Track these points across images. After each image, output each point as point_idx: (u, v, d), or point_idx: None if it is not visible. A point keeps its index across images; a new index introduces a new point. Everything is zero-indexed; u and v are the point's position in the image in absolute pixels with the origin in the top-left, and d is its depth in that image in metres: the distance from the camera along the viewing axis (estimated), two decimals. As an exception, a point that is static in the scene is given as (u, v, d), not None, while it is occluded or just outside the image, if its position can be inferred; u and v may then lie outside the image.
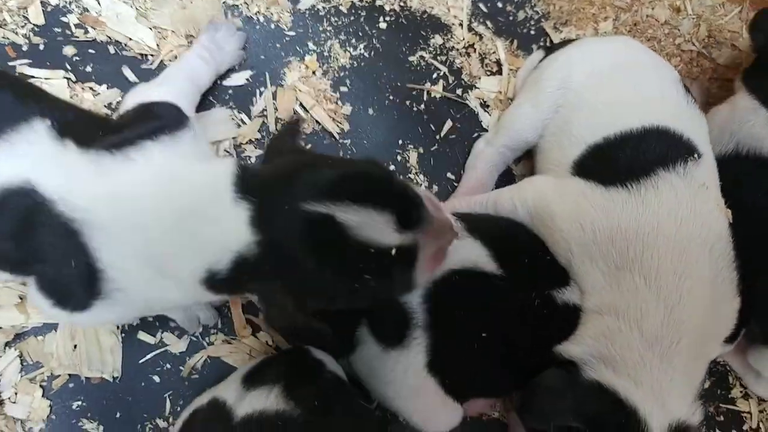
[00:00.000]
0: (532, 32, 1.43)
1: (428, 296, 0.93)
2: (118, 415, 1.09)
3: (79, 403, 1.08)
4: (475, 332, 0.95)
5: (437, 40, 1.37)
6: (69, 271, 0.76)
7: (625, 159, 1.01)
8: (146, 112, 0.89)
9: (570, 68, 1.15)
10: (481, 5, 1.42)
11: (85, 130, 0.80)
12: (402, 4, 1.37)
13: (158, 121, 0.85)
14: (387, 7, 1.36)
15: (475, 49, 1.38)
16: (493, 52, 1.39)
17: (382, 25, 1.35)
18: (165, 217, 0.74)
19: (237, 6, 1.27)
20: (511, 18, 1.43)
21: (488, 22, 1.41)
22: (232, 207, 0.72)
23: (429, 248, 0.76)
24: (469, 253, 0.95)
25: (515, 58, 1.39)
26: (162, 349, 1.11)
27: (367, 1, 1.35)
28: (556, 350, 0.96)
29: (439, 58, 1.36)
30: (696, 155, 1.00)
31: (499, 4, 1.43)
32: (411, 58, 1.34)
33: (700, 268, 0.94)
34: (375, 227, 0.68)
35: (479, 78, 1.36)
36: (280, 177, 0.74)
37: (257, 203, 0.72)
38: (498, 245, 0.98)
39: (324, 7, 1.32)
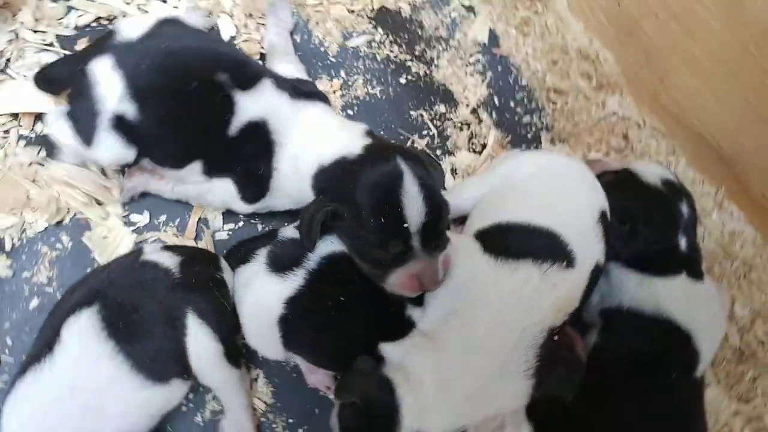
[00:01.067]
0: (529, 136, 1.65)
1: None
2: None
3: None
4: (331, 311, 1.15)
5: (441, 108, 1.63)
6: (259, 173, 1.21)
7: (513, 240, 1.17)
8: (305, 83, 1.39)
9: (520, 167, 1.33)
10: (495, 98, 1.67)
11: (286, 86, 1.25)
12: (427, 71, 1.66)
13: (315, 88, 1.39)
14: (413, 69, 1.66)
15: (469, 127, 1.62)
16: (484, 137, 1.61)
17: (402, 80, 1.64)
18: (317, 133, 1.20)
19: (307, 24, 1.64)
20: (516, 118, 1.66)
21: (494, 113, 1.65)
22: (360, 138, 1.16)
23: (413, 269, 1.06)
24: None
25: (501, 148, 1.60)
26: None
27: (399, 59, 1.66)
28: (380, 346, 1.12)
29: (435, 122, 1.61)
30: (566, 264, 1.13)
31: (512, 104, 1.67)
32: (412, 113, 1.61)
33: (505, 339, 1.07)
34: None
35: (460, 149, 1.59)
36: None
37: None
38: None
39: (366, 51, 1.66)
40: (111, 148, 1.20)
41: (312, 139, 1.20)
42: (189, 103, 1.18)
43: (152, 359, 1.12)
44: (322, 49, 1.63)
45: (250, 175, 1.25)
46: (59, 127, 1.23)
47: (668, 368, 1.19)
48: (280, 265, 1.18)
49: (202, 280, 1.16)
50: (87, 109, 1.18)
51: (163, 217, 1.38)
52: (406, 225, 1.03)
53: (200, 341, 1.14)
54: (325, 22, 1.65)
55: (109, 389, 1.10)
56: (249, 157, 1.23)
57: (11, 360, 1.25)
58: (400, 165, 1.06)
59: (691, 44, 1.32)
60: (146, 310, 1.12)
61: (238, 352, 1.24)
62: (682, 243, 1.25)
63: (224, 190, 1.27)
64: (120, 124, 1.18)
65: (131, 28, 1.22)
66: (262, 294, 1.18)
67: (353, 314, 1.16)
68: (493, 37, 1.73)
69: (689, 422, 1.21)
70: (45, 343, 1.10)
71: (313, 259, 1.17)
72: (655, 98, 1.54)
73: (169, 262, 1.17)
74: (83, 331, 1.09)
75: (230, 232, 1.40)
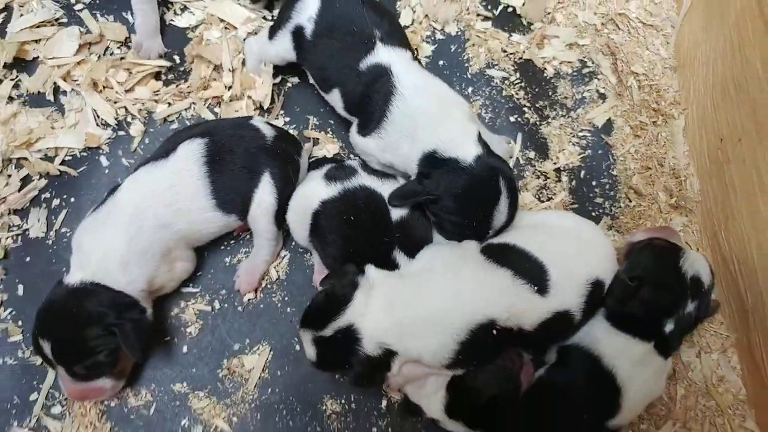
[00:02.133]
0: (593, 214, 1.84)
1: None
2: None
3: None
4: (345, 224, 1.48)
5: (531, 154, 1.89)
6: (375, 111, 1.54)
7: (509, 256, 1.40)
8: None
9: (553, 217, 1.62)
10: (582, 172, 1.89)
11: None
12: (538, 122, 1.93)
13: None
14: (527, 115, 1.94)
15: (546, 179, 1.86)
16: (554, 194, 1.85)
17: (512, 119, 1.93)
18: (437, 107, 1.52)
19: (465, 41, 2.00)
20: (590, 195, 1.87)
21: (574, 181, 1.88)
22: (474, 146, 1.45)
23: None
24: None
25: (563, 208, 1.83)
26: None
27: (520, 102, 1.95)
28: (366, 266, 1.42)
29: (520, 161, 1.88)
30: (537, 289, 1.35)
31: (593, 183, 1.88)
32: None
33: (452, 303, 1.32)
34: None
35: (528, 192, 1.84)
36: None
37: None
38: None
39: (497, 83, 1.97)
40: (282, 45, 1.64)
41: (434, 117, 1.48)
42: (345, 43, 1.57)
43: (226, 193, 1.53)
44: (465, 65, 1.97)
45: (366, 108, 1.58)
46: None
47: (591, 410, 1.35)
48: (330, 177, 1.54)
49: (284, 154, 1.57)
50: (283, 13, 1.63)
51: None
52: (489, 233, 1.43)
53: (264, 194, 1.55)
54: (479, 47, 1.98)
55: (189, 200, 1.52)
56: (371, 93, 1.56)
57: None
58: (500, 186, 1.40)
59: (760, 198, 1.47)
60: (238, 157, 1.54)
61: (282, 218, 1.62)
62: (668, 326, 1.40)
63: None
64: (297, 33, 1.61)
65: None
66: (310, 189, 1.55)
67: (359, 234, 1.47)
68: (609, 126, 1.96)
69: None
70: (165, 151, 1.54)
71: (351, 182, 1.51)
72: (714, 235, 1.69)
73: (267, 131, 1.58)
74: (191, 152, 1.52)
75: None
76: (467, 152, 1.42)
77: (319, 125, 1.89)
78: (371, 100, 1.56)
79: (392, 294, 1.32)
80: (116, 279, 1.44)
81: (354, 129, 1.64)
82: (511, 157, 1.84)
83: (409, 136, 1.49)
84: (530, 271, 1.36)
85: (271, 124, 1.65)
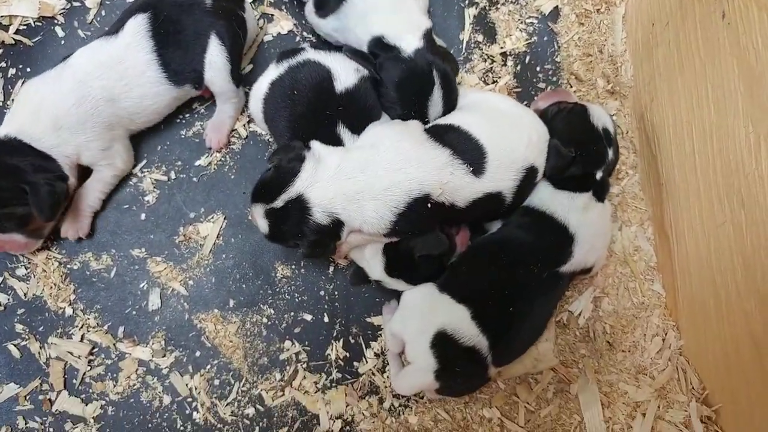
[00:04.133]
0: (535, 98, 1.99)
1: None
2: None
3: None
4: (288, 98, 1.61)
5: (479, 37, 2.01)
6: None
7: (449, 136, 1.53)
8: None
9: (495, 100, 1.72)
10: (527, 57, 2.02)
11: None
12: (487, 7, 2.04)
13: None
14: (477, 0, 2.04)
15: (492, 62, 1.99)
16: (499, 77, 1.98)
17: (463, 3, 2.03)
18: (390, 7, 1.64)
19: None
20: (534, 80, 2.01)
21: (518, 66, 2.00)
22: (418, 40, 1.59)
23: None
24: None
25: (506, 92, 1.97)
26: None
27: (473, -14, 2.05)
28: (311, 141, 1.53)
29: (470, 44, 1.99)
30: (472, 170, 1.49)
31: (537, 69, 2.02)
32: (457, 32, 2.00)
33: (391, 177, 1.44)
34: None
35: (474, 74, 1.96)
36: None
37: None
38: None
39: (452, -33, 2.05)
40: None
41: (389, 6, 1.61)
42: None
43: (177, 63, 1.63)
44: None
45: None
46: None
47: (547, 259, 1.56)
48: (279, 58, 1.65)
49: (226, 12, 1.65)
50: None
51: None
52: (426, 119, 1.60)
53: (214, 55, 1.64)
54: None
55: (139, 75, 1.61)
56: None
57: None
58: (434, 79, 1.55)
59: (680, 76, 1.64)
60: (182, 26, 1.61)
61: (239, 76, 1.73)
62: (598, 175, 1.62)
63: None
64: None
65: None
66: (262, 77, 1.66)
67: (303, 109, 1.58)
68: (555, 13, 2.07)
69: (543, 303, 1.58)
70: (115, 27, 1.62)
71: (296, 59, 1.60)
72: (641, 117, 1.86)
73: None
74: (138, 27, 1.60)
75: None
76: (409, 44, 1.57)
77: (275, 2, 1.97)
78: None
79: (338, 166, 1.44)
80: (43, 139, 1.54)
81: (310, 7, 1.74)
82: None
83: (363, 20, 1.61)
84: (468, 151, 1.50)
85: None
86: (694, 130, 1.55)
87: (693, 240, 1.59)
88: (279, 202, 1.42)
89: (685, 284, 1.65)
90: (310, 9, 1.75)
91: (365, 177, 1.43)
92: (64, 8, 1.89)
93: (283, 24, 1.93)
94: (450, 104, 1.63)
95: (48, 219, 1.55)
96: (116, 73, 1.58)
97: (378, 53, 1.59)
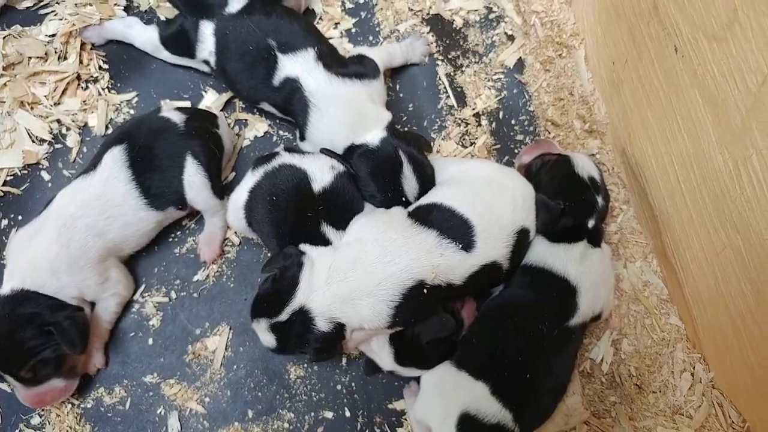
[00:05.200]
0: (516, 151, 2.03)
1: None
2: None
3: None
4: (269, 205, 1.63)
5: (451, 101, 2.06)
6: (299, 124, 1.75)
7: (434, 215, 1.55)
8: (360, 59, 1.82)
9: (474, 169, 1.74)
10: (501, 113, 2.07)
11: (330, 59, 1.72)
12: (452, 73, 2.10)
13: (363, 68, 1.77)
14: (440, 66, 2.11)
15: (467, 126, 2.04)
16: (476, 138, 2.03)
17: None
18: (348, 115, 1.68)
19: (374, 6, 2.15)
20: (511, 133, 2.05)
21: (494, 123, 2.05)
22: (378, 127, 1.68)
23: None
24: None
25: (486, 151, 2.01)
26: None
27: (433, 56, 2.12)
28: (301, 245, 1.56)
29: (442, 112, 2.05)
30: (462, 247, 1.50)
31: (513, 122, 2.06)
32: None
33: (383, 270, 1.45)
34: None
35: (451, 140, 2.01)
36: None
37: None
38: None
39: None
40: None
41: (349, 123, 1.69)
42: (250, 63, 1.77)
43: (156, 188, 1.68)
44: (377, 29, 2.13)
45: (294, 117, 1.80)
46: None
47: (554, 315, 1.55)
48: (254, 165, 1.70)
49: (200, 131, 1.72)
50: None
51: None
52: (405, 199, 1.65)
53: (192, 175, 1.69)
54: (386, 10, 2.13)
55: (120, 205, 1.66)
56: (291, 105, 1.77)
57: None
58: (401, 158, 1.63)
59: (648, 110, 1.68)
60: (157, 151, 1.68)
61: (221, 189, 1.79)
62: (590, 223, 1.64)
63: None
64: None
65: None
66: (240, 185, 1.70)
67: (285, 213, 1.60)
68: (520, 65, 2.14)
69: (560, 360, 1.56)
70: (93, 163, 1.68)
71: (272, 164, 1.65)
72: (623, 152, 1.89)
73: (178, 118, 1.72)
74: (115, 160, 1.66)
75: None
76: (374, 137, 1.67)
77: (246, 106, 2.04)
78: (294, 112, 1.76)
79: (330, 268, 1.45)
80: (46, 285, 1.57)
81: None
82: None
83: (330, 138, 1.72)
84: (455, 228, 1.51)
85: (179, 108, 1.80)
86: (674, 161, 1.57)
87: (698, 269, 1.59)
88: (284, 315, 1.43)
89: (701, 314, 1.63)
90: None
91: (356, 275, 1.44)
92: (47, 152, 1.97)
93: (258, 126, 2.00)
94: (424, 180, 1.67)
95: (81, 351, 1.57)
96: (97, 208, 1.63)
97: (351, 154, 1.68)
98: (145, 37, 1.94)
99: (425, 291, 1.46)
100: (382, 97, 1.83)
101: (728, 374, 1.61)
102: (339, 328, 1.44)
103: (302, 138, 1.79)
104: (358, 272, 1.44)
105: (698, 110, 1.41)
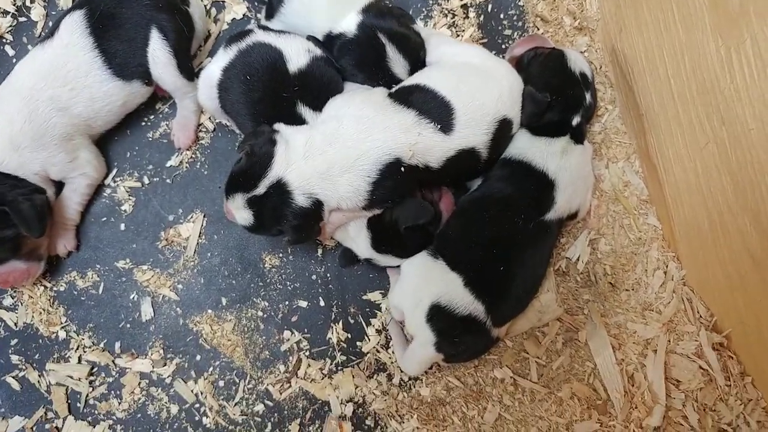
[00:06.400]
0: (503, 47, 1.97)
1: None
2: None
3: None
4: (244, 84, 1.59)
5: (438, -7, 1.98)
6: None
7: (415, 96, 1.52)
8: None
9: (459, 52, 1.70)
10: (490, 5, 1.99)
11: None
12: (442, -39, 2.00)
13: None
14: (430, -46, 2.01)
15: (454, 17, 1.97)
16: (463, 31, 1.96)
17: (417, -41, 2.00)
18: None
19: None
20: (499, 28, 1.98)
21: (482, 16, 1.98)
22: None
23: None
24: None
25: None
26: None
27: None
28: (276, 124, 1.54)
29: (428, 1, 1.97)
30: (440, 128, 1.48)
31: (501, 16, 1.99)
32: (413, -12, 1.97)
33: (360, 146, 1.44)
34: None
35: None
36: None
37: None
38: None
39: None
40: None
41: (326, 5, 1.63)
42: None
43: (121, 58, 1.60)
44: None
45: None
46: None
47: (530, 209, 1.55)
48: (227, 43, 1.62)
49: (168, 6, 1.62)
50: None
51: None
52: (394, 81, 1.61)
53: (157, 50, 1.61)
54: None
55: (84, 76, 1.58)
56: None
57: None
58: (382, 41, 1.57)
59: (642, 3, 1.62)
60: (121, 19, 1.58)
61: (190, 70, 1.71)
62: (575, 120, 1.63)
63: None
64: None
65: None
66: (212, 63, 1.63)
67: (260, 92, 1.56)
68: (513, -43, 2.05)
69: (535, 255, 1.58)
70: (51, 30, 1.58)
71: (246, 42, 1.58)
72: (613, 50, 1.84)
73: None
74: (74, 26, 1.56)
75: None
76: (350, 24, 1.60)
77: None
78: None
79: (306, 143, 1.43)
80: (5, 162, 1.52)
81: (263, 14, 1.75)
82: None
83: (306, 21, 1.64)
84: (435, 110, 1.48)
85: None
86: (665, 55, 1.54)
87: (680, 166, 1.58)
88: (261, 189, 1.41)
89: (679, 213, 1.64)
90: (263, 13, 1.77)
91: (334, 150, 1.42)
92: (10, 26, 1.88)
93: (236, 9, 1.92)
94: (412, 55, 1.62)
95: (38, 233, 1.52)
96: (60, 79, 1.56)
97: (332, 45, 1.63)
98: None
99: (402, 170, 1.45)
100: None
101: (700, 271, 1.63)
102: (317, 205, 1.43)
103: (270, 15, 1.71)
104: (336, 147, 1.43)
105: (694, -5, 1.36)
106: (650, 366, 1.63)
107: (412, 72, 1.63)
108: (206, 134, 1.85)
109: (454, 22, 1.96)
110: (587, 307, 1.72)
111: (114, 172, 1.82)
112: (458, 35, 1.94)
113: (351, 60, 1.61)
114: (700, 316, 1.65)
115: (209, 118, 1.83)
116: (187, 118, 1.76)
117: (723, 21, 1.28)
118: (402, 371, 1.66)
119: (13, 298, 1.75)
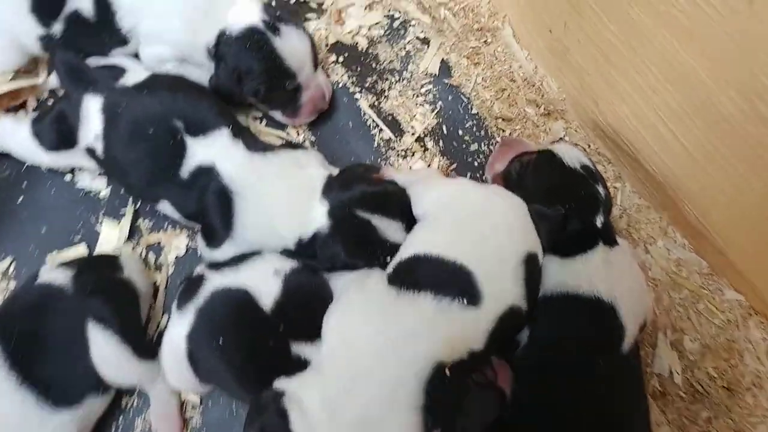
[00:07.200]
0: (476, 164, 1.75)
1: None
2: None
3: None
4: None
5: (386, 134, 1.77)
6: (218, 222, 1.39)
7: (421, 272, 1.24)
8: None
9: (441, 198, 1.39)
10: (444, 127, 1.80)
11: (249, 137, 1.46)
12: (376, 102, 1.82)
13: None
14: (361, 100, 1.83)
15: (413, 154, 1.76)
16: (428, 164, 1.74)
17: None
18: (283, 197, 1.38)
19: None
20: (463, 146, 1.78)
21: (441, 141, 1.78)
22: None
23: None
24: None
25: (446, 175, 1.73)
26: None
27: (349, 91, 1.84)
28: (275, 383, 1.22)
29: (381, 148, 1.76)
30: (467, 301, 1.19)
31: (460, 132, 1.79)
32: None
33: (390, 370, 1.13)
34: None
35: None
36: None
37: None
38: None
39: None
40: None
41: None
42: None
43: (57, 382, 1.23)
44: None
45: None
46: None
47: (599, 348, 1.24)
48: (180, 303, 1.31)
49: (97, 286, 1.30)
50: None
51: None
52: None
53: (104, 347, 1.25)
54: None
55: (20, 424, 1.20)
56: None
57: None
58: (368, 219, 1.35)
59: (611, 68, 1.42)
60: (45, 334, 1.24)
61: (148, 346, 1.38)
62: (599, 220, 1.34)
63: None
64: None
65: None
66: (172, 331, 1.31)
67: (243, 348, 1.25)
68: (446, 68, 1.87)
69: (631, 402, 1.25)
70: None
71: (201, 295, 1.28)
72: (595, 125, 1.63)
73: (62, 278, 1.28)
74: None
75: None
76: (320, 217, 1.38)
77: (153, 225, 1.69)
78: (208, 211, 1.42)
79: (323, 398, 1.13)
80: None
81: (201, 243, 1.48)
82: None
83: (268, 236, 1.40)
84: (451, 281, 1.20)
85: (63, 264, 1.38)
86: (660, 113, 1.32)
87: (731, 222, 1.32)
88: None
89: (759, 273, 1.36)
90: (201, 243, 1.51)
91: (359, 391, 1.12)
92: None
93: (176, 244, 1.65)
94: (404, 213, 1.38)
95: None
96: None
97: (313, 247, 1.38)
98: (21, 135, 1.53)
99: (448, 372, 1.13)
100: (317, 158, 1.54)
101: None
102: None
103: (217, 244, 1.44)
104: (360, 387, 1.12)
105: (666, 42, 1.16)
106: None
107: (409, 227, 1.37)
108: (194, 410, 1.51)
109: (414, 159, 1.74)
110: (712, 426, 1.39)
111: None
112: (425, 171, 1.71)
113: (343, 254, 1.34)
114: None
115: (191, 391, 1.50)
116: (165, 404, 1.42)
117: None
118: None
119: None
